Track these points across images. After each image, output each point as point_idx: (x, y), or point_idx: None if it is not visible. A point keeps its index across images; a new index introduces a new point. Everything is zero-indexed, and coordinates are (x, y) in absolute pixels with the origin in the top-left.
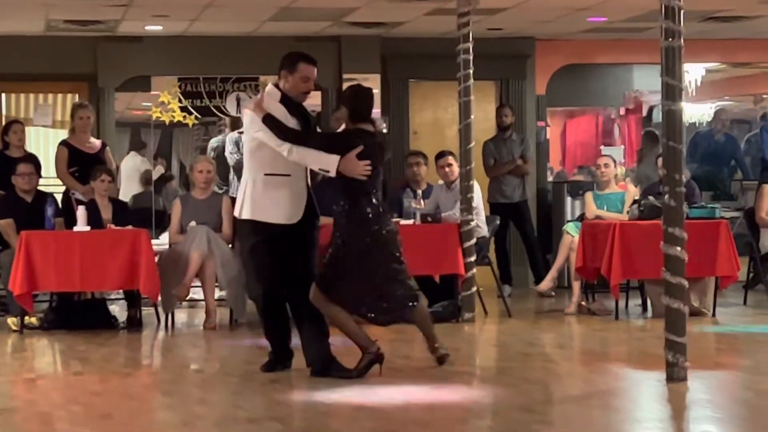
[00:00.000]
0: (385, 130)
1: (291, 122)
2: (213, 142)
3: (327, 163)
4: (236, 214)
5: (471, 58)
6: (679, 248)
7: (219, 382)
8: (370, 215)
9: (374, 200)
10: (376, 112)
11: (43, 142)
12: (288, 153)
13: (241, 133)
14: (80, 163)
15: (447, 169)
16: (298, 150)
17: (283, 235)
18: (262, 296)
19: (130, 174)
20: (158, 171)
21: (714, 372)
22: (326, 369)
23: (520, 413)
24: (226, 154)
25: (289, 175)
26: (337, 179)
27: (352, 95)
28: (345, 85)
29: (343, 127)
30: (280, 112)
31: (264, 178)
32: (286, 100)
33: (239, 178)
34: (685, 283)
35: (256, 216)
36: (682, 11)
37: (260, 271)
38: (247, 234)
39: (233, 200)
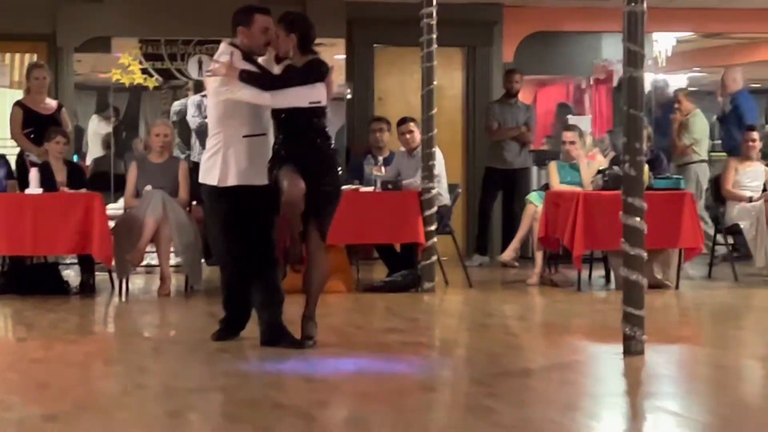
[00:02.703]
0: (349, 96)
1: None
2: (176, 105)
3: (316, 94)
4: (211, 182)
5: (434, 22)
6: (638, 219)
7: (166, 350)
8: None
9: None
10: (341, 77)
11: (0, 103)
12: (272, 100)
13: (204, 96)
14: (35, 124)
15: (408, 136)
16: (280, 94)
17: (258, 198)
18: (231, 263)
19: (93, 138)
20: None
21: (673, 346)
22: (276, 339)
23: (470, 386)
24: (188, 117)
25: (265, 134)
26: (290, 114)
27: (305, 22)
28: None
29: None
30: (250, 68)
31: (243, 140)
32: (247, 58)
33: (201, 142)
34: (644, 254)
35: (242, 181)
36: None
37: (232, 238)
38: (224, 200)
39: (194, 165)
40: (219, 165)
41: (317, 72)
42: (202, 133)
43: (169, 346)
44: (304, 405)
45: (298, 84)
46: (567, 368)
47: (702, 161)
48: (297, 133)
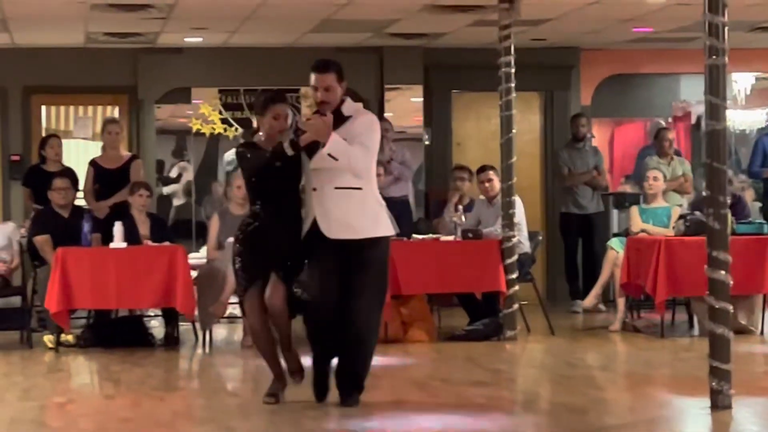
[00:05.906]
0: (427, 142)
1: None
2: (227, 156)
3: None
4: None
5: (513, 71)
6: (723, 272)
7: (252, 409)
8: None
9: None
10: (418, 120)
11: (84, 155)
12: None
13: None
14: (102, 180)
15: (487, 184)
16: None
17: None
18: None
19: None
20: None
21: (762, 398)
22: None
23: None
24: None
25: (314, 189)
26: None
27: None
28: (387, 96)
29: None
30: None
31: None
32: None
33: None
34: (730, 308)
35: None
36: (726, 28)
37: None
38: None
39: None
40: None
41: None
42: None
43: (255, 405)
44: None
45: None
46: (654, 424)
47: None
48: None
